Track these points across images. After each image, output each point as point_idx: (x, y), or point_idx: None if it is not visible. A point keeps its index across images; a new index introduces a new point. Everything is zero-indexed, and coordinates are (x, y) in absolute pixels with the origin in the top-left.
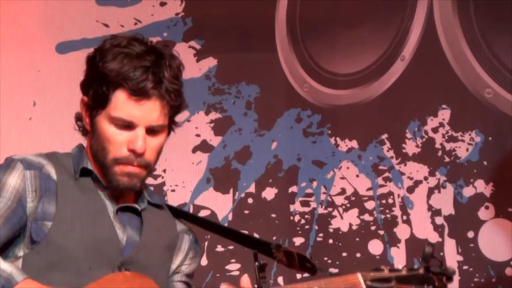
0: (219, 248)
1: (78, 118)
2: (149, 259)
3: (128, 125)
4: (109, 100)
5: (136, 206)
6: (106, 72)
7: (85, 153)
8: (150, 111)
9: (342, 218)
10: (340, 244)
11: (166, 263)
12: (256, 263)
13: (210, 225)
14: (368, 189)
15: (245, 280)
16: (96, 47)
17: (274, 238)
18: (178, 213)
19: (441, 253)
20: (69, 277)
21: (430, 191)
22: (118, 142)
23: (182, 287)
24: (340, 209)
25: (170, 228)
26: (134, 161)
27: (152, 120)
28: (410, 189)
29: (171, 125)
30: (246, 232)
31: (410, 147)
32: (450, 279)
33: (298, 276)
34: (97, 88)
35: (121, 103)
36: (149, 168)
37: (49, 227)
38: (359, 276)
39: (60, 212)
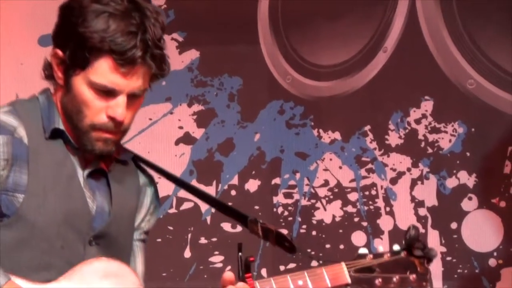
0: (203, 240)
1: (46, 67)
2: (119, 230)
3: (109, 92)
4: (90, 64)
5: (105, 169)
6: (88, 35)
7: (55, 106)
8: (135, 79)
9: (325, 209)
10: (324, 235)
11: (132, 229)
12: (240, 254)
13: (178, 181)
14: (351, 181)
15: (228, 274)
16: None
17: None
18: (145, 164)
19: None
20: (40, 256)
21: (413, 183)
22: (97, 107)
23: (141, 246)
24: (323, 201)
25: (134, 185)
26: (113, 128)
27: (135, 87)
28: (393, 181)
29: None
30: (228, 223)
31: (393, 139)
32: (430, 261)
33: (282, 268)
34: (75, 48)
35: (105, 70)
36: (126, 132)
37: (21, 201)
38: (343, 265)
39: (32, 184)
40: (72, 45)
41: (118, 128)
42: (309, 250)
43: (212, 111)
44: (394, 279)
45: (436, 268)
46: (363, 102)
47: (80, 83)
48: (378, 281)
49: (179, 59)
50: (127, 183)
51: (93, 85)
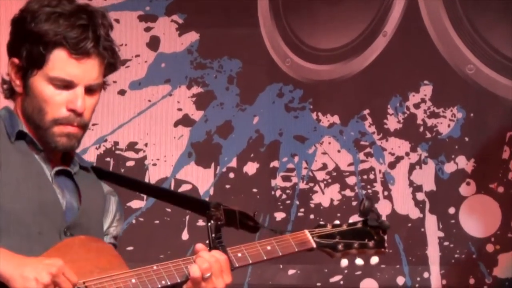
0: (200, 223)
1: (4, 81)
2: (90, 223)
3: (67, 85)
4: (47, 60)
5: (70, 170)
6: (41, 33)
7: (16, 115)
8: (90, 69)
9: (323, 193)
10: (321, 219)
11: (102, 225)
12: (209, 224)
13: (137, 185)
14: (350, 165)
15: (199, 245)
16: (21, 8)
17: (255, 213)
18: (103, 174)
19: (422, 229)
20: (19, 242)
21: (412, 167)
22: (57, 102)
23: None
24: (322, 184)
25: (99, 190)
26: (74, 121)
27: (91, 78)
28: (392, 165)
29: (103, 84)
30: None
31: (392, 123)
32: (385, 232)
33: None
34: (31, 49)
35: (61, 62)
36: (86, 128)
37: None
38: (307, 232)
39: (4, 176)
40: (28, 46)
41: (80, 121)
42: None
43: (211, 94)
44: (355, 245)
45: (433, 252)
46: (362, 86)
47: (38, 82)
48: (340, 246)
49: (178, 41)
50: (93, 187)
51: (52, 80)
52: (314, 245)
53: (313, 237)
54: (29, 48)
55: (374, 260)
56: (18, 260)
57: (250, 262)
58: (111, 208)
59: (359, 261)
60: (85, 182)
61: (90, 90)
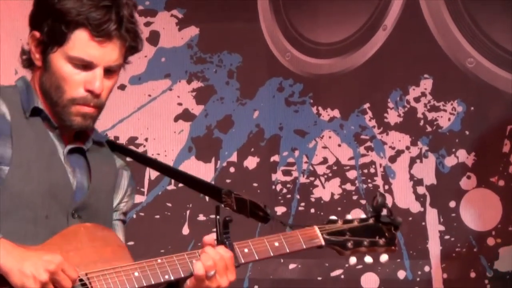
0: (201, 217)
1: (24, 52)
2: (99, 203)
3: (86, 65)
4: (68, 39)
5: (84, 147)
6: (64, 11)
7: (33, 89)
8: (111, 51)
9: (324, 187)
10: (322, 213)
11: (111, 204)
12: (218, 217)
13: (150, 162)
14: (350, 159)
15: (209, 237)
16: None
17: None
18: (118, 148)
19: (423, 223)
20: (25, 225)
21: (412, 161)
22: (75, 82)
23: (121, 226)
24: (322, 179)
25: (111, 166)
26: (91, 102)
27: (111, 60)
28: (392, 159)
29: (123, 64)
30: None
31: (392, 117)
32: (397, 228)
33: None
34: (53, 25)
35: (82, 43)
36: (102, 108)
37: (6, 172)
38: (316, 229)
39: (16, 156)
40: (50, 22)
41: (96, 102)
42: None
43: (211, 88)
44: (365, 242)
45: (434, 246)
46: (362, 80)
47: (58, 59)
48: (350, 244)
49: (178, 36)
50: (105, 163)
51: (71, 59)
52: (323, 243)
53: (322, 234)
54: (51, 25)
55: (384, 258)
56: (18, 253)
57: (257, 258)
58: (123, 183)
59: (368, 259)
60: (98, 159)
61: (109, 71)
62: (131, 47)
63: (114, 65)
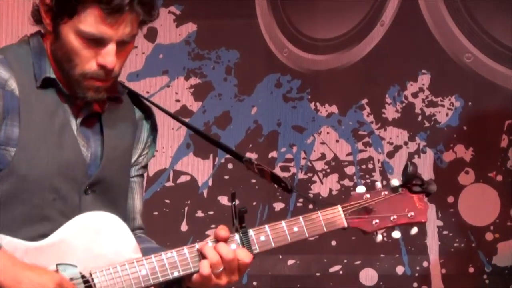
0: (199, 214)
1: (35, 12)
2: (114, 173)
3: (98, 40)
4: (78, 12)
5: (99, 111)
6: None
7: (46, 53)
8: (123, 26)
9: (322, 183)
10: (319, 205)
11: (128, 170)
12: (234, 203)
13: (171, 115)
14: (348, 154)
15: (223, 232)
16: None
17: (254, 203)
18: (139, 99)
19: None
20: (32, 209)
21: (410, 156)
22: (87, 56)
23: (139, 181)
24: (320, 174)
25: (129, 122)
26: (104, 76)
27: (124, 34)
28: (390, 154)
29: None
30: (225, 197)
31: (390, 112)
32: (429, 194)
33: None
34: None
35: (92, 19)
36: (116, 78)
37: (13, 154)
38: (340, 209)
39: (23, 136)
40: None
41: (109, 75)
42: None
43: (209, 84)
44: (392, 218)
45: (432, 242)
46: (360, 76)
47: (68, 31)
48: (375, 222)
49: (176, 32)
50: (122, 122)
51: (81, 34)
52: (346, 225)
53: (345, 215)
54: None
55: (414, 231)
56: (15, 272)
57: (273, 246)
58: (143, 135)
59: (396, 234)
60: (114, 119)
61: (122, 43)
62: (144, 21)
63: (128, 38)
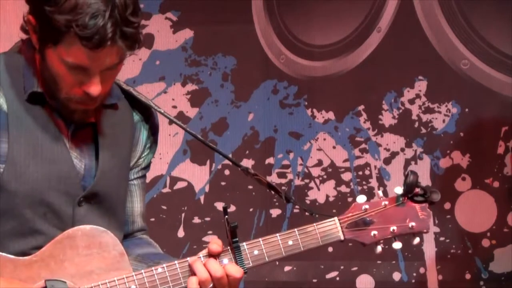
0: (196, 220)
1: (24, 29)
2: (109, 183)
3: (82, 69)
4: (60, 41)
5: (92, 121)
6: (54, 17)
7: (36, 66)
8: (106, 57)
9: (319, 189)
10: (317, 216)
11: (126, 172)
12: (226, 217)
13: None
14: (345, 161)
15: (215, 246)
16: None
17: (251, 209)
18: (137, 100)
19: None
20: (24, 224)
21: (407, 163)
22: (72, 82)
23: (140, 184)
24: (317, 181)
25: (127, 126)
26: (89, 101)
27: (108, 63)
28: (387, 161)
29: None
30: (222, 203)
31: (387, 119)
32: (433, 203)
33: None
34: (45, 27)
35: (74, 50)
36: (105, 98)
37: (1, 170)
38: (337, 221)
39: (12, 152)
40: (41, 22)
41: (95, 100)
42: None
43: (206, 91)
44: (392, 229)
45: (429, 248)
46: (356, 82)
47: (53, 57)
48: (373, 234)
49: (173, 39)
50: (119, 128)
51: (65, 62)
52: (342, 238)
53: (342, 227)
54: (44, 24)
55: (416, 241)
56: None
57: (267, 260)
58: (141, 138)
59: (397, 245)
60: (109, 126)
61: (108, 69)
62: (129, 49)
63: (112, 65)
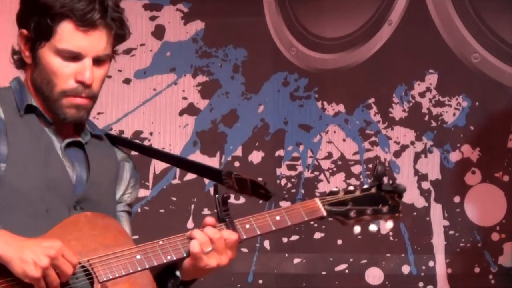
0: (206, 212)
1: (15, 52)
2: (99, 195)
3: (75, 57)
4: (54, 32)
5: (81, 140)
6: (49, 4)
7: (26, 87)
8: (98, 41)
9: (328, 182)
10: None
11: (113, 196)
12: (217, 196)
13: (152, 152)
14: (355, 153)
15: (209, 219)
16: None
17: (260, 201)
18: (118, 141)
19: (427, 218)
20: (26, 220)
21: (417, 156)
22: (65, 74)
23: (126, 217)
24: (327, 173)
25: (112, 158)
26: (82, 93)
27: (99, 50)
28: (397, 154)
29: (113, 55)
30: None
31: (397, 112)
32: (400, 196)
33: (285, 239)
34: (39, 20)
35: (68, 34)
36: (95, 99)
37: (3, 169)
38: (317, 200)
39: (12, 152)
40: (36, 18)
41: (88, 93)
42: (311, 222)
43: (217, 82)
44: (368, 211)
45: (438, 241)
46: (367, 75)
47: (47, 54)
48: (352, 213)
49: (184, 30)
50: (105, 156)
51: (59, 52)
52: (325, 213)
53: (323, 205)
54: (37, 20)
55: (389, 225)
56: (18, 242)
57: (258, 233)
58: (125, 175)
59: (372, 227)
60: (97, 152)
61: (98, 61)
62: (118, 36)
63: (103, 55)
